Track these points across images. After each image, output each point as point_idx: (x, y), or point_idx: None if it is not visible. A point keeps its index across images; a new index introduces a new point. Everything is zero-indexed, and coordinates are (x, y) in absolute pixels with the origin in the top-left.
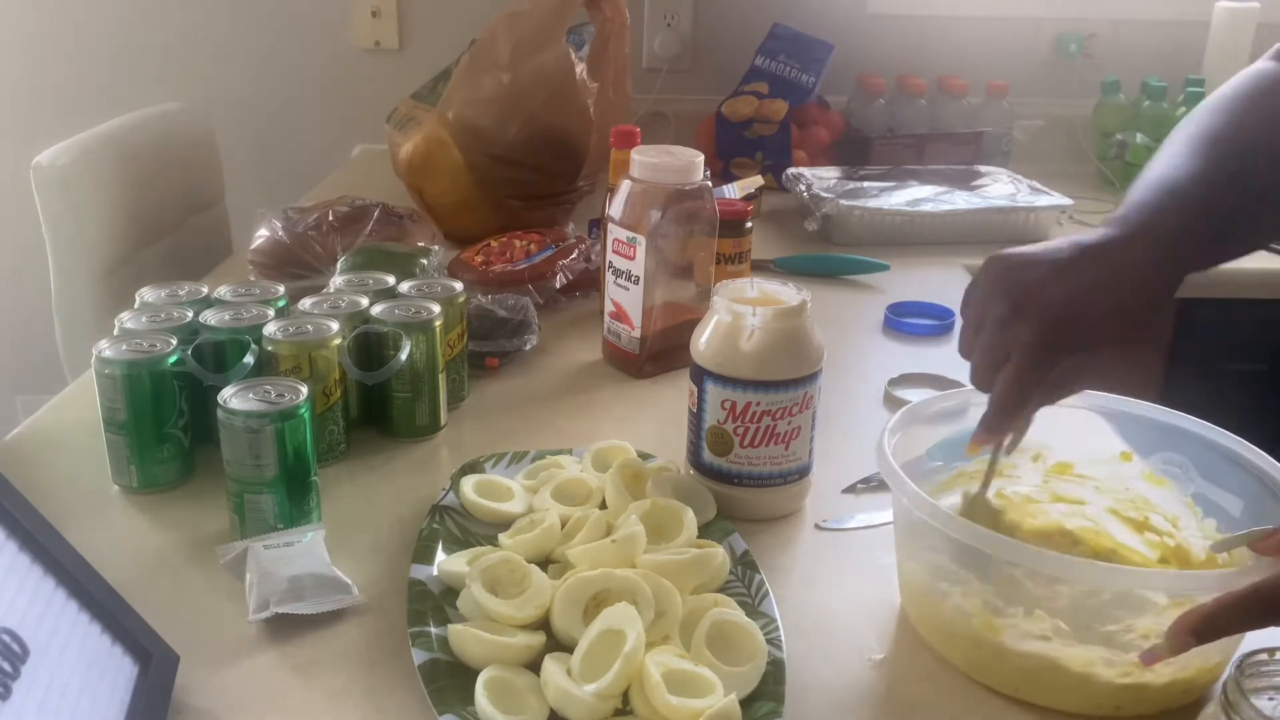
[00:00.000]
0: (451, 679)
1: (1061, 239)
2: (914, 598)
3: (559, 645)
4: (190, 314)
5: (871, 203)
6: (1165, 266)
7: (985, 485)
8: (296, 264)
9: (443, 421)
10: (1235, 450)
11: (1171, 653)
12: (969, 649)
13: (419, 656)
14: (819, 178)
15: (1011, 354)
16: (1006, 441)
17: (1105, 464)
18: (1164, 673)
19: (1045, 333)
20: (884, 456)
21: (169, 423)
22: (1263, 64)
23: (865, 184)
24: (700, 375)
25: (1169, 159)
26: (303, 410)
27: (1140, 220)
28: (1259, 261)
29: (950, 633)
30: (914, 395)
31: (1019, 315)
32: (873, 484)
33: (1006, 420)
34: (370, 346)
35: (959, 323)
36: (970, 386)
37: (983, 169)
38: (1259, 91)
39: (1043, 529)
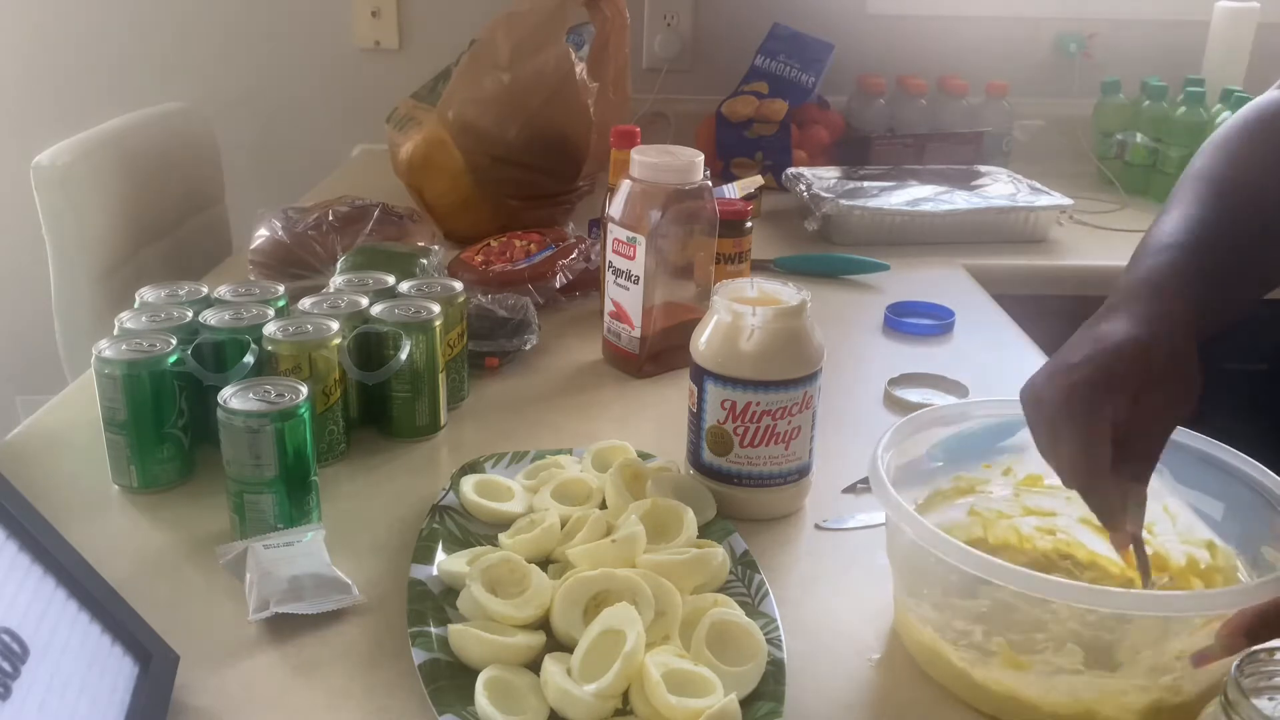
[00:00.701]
0: (451, 679)
1: (1077, 344)
2: (921, 641)
3: (559, 645)
4: (190, 314)
5: (871, 203)
6: (1183, 340)
7: (1146, 577)
8: (296, 264)
9: (443, 421)
10: (1211, 453)
11: (1225, 654)
12: (987, 690)
13: (419, 656)
14: (819, 178)
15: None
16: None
17: None
18: (1192, 691)
19: (1076, 397)
20: (884, 488)
21: (169, 423)
22: (1274, 93)
23: (865, 184)
24: (700, 375)
25: (1173, 214)
26: (303, 410)
27: (1150, 295)
28: None
29: (966, 678)
30: (914, 395)
31: (1090, 385)
32: None
33: (1107, 502)
34: (370, 346)
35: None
36: (971, 399)
37: (983, 169)
38: (1264, 130)
39: (1028, 552)
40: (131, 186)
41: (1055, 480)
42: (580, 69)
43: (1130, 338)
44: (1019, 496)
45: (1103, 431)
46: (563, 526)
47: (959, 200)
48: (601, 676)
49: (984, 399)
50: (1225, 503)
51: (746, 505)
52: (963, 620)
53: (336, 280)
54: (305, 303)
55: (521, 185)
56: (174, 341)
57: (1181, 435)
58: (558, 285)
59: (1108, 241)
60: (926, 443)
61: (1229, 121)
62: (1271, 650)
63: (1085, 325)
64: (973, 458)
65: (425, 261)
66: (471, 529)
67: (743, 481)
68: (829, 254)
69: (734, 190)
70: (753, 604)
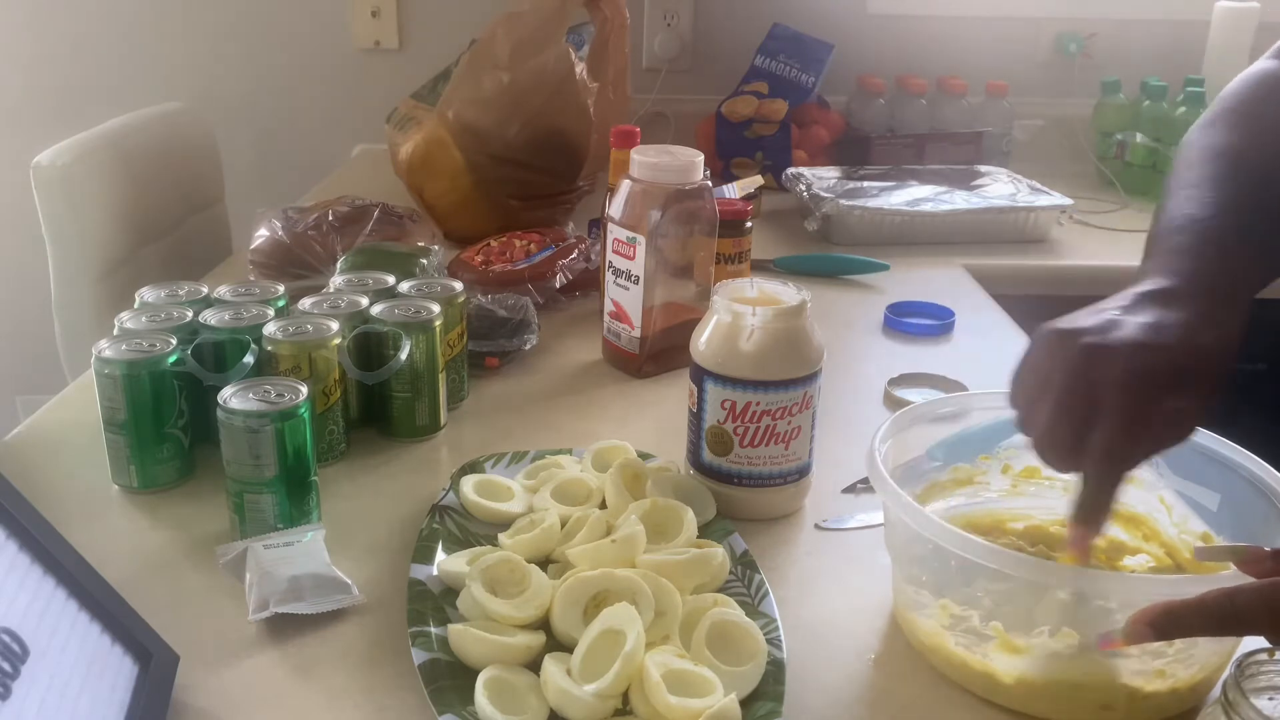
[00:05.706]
0: (451, 679)
1: (1110, 298)
2: (918, 627)
3: (559, 645)
4: (190, 314)
5: (871, 203)
6: (1224, 310)
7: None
8: (296, 264)
9: (443, 421)
10: (1208, 445)
11: (1127, 641)
12: (983, 675)
13: (419, 656)
14: (819, 178)
15: (1100, 412)
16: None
17: None
18: (1183, 676)
19: (1136, 376)
20: (880, 475)
21: (169, 423)
22: (1265, 63)
23: (865, 184)
24: (700, 375)
25: (1190, 190)
26: (303, 410)
27: (1185, 268)
28: None
29: (960, 661)
30: (914, 395)
31: (1098, 364)
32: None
33: (1109, 495)
34: (370, 346)
35: (1017, 397)
36: (970, 391)
37: (983, 169)
38: (1266, 99)
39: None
40: (131, 186)
41: (1053, 473)
42: (580, 69)
43: (1197, 324)
44: (1015, 488)
45: (1148, 415)
46: (563, 526)
47: (959, 200)
48: (601, 676)
49: (984, 391)
50: (1221, 494)
51: (746, 505)
52: (959, 605)
53: (336, 280)
54: (305, 303)
55: (521, 185)
56: (174, 341)
57: None
58: (558, 285)
59: (1108, 241)
60: (925, 439)
61: (1228, 92)
62: (1272, 650)
63: (1137, 291)
64: (973, 457)
65: (425, 261)
66: (471, 529)
67: (743, 481)
68: (829, 254)
69: (734, 190)
70: (753, 604)
